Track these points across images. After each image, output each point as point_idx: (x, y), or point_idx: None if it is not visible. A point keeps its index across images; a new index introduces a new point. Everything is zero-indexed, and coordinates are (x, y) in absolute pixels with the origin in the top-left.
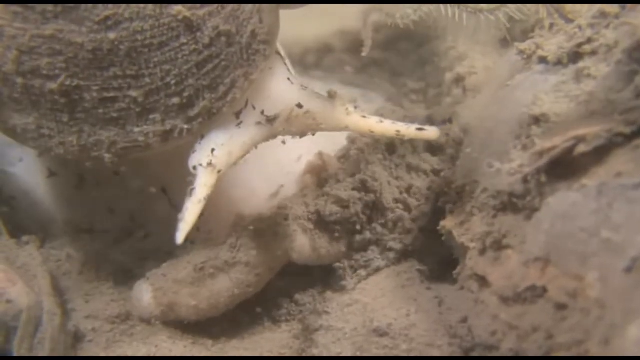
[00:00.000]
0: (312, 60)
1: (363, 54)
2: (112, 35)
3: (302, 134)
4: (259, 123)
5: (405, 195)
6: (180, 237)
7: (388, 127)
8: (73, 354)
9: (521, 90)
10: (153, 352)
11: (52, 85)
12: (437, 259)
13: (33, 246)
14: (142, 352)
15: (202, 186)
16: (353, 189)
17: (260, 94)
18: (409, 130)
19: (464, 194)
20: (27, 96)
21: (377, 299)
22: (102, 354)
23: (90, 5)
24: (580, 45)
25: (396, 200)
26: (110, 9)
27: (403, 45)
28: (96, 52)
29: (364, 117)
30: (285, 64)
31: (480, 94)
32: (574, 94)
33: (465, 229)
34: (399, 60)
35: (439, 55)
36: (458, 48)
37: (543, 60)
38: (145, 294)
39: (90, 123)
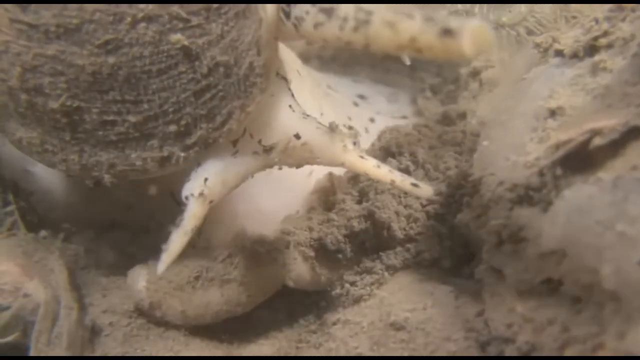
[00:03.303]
0: (329, 54)
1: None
2: (111, 60)
3: (298, 166)
4: (255, 153)
5: (412, 224)
6: (161, 267)
7: (384, 174)
8: (90, 349)
9: (537, 83)
10: (170, 347)
11: (54, 104)
12: (453, 252)
13: (50, 241)
14: (159, 347)
15: (191, 217)
16: (360, 217)
17: (260, 122)
18: (403, 183)
19: (481, 186)
20: (31, 112)
21: (393, 293)
22: (119, 348)
23: (91, 29)
24: (596, 38)
25: (404, 229)
26: (110, 33)
27: None
28: (96, 75)
29: (362, 157)
30: (289, 89)
31: (496, 87)
32: (590, 87)
33: (481, 222)
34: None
35: None
36: None
37: (559, 53)
38: (140, 281)
39: (91, 144)
